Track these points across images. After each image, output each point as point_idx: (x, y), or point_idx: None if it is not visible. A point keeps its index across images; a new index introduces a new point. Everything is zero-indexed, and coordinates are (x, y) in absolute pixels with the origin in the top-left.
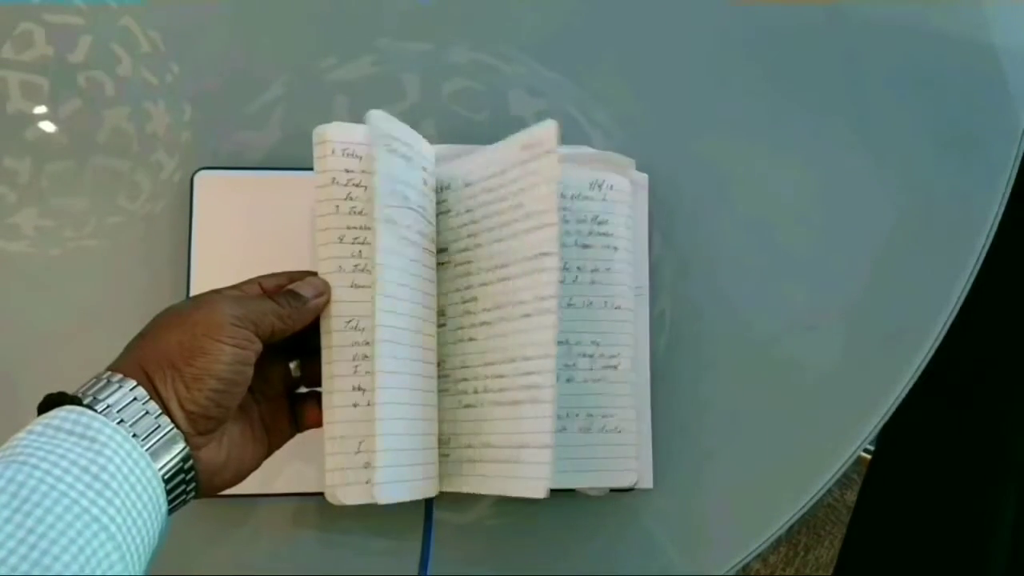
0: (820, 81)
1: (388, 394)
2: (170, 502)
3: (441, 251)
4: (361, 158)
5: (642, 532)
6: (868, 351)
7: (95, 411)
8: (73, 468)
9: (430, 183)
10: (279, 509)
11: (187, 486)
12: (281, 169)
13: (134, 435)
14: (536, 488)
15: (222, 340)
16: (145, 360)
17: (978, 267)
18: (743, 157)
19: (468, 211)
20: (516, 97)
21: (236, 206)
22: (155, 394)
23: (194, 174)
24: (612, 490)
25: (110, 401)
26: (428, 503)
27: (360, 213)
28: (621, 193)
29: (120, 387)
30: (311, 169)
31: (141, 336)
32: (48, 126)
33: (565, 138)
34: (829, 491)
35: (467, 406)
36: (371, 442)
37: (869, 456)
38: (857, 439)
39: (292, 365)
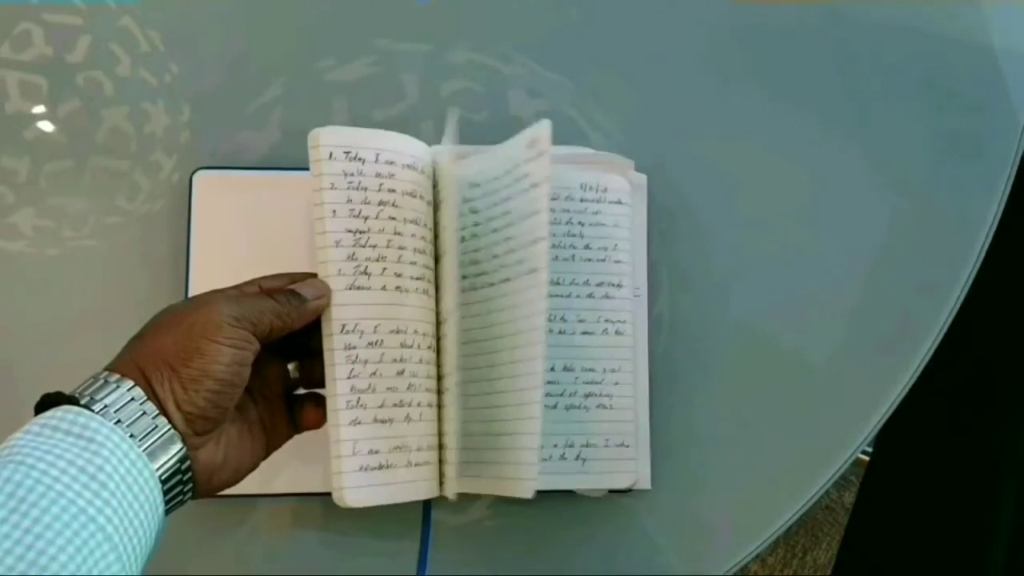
0: (820, 82)
1: (389, 396)
2: (167, 502)
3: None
4: (363, 161)
5: (640, 533)
6: (867, 353)
7: (92, 411)
8: (70, 468)
9: (427, 184)
10: (277, 510)
11: (184, 487)
12: (280, 169)
13: (131, 435)
14: (525, 488)
15: (219, 341)
16: (142, 360)
17: (977, 268)
18: (742, 158)
19: (473, 212)
20: (515, 98)
21: (235, 206)
22: (152, 394)
23: (193, 174)
24: (610, 491)
25: (107, 401)
26: (426, 504)
27: (359, 216)
28: (619, 194)
29: (117, 387)
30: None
31: (139, 336)
32: (47, 126)
33: (564, 139)
34: (827, 493)
35: (467, 408)
36: (374, 444)
37: (867, 458)
38: (855, 441)
39: (291, 366)
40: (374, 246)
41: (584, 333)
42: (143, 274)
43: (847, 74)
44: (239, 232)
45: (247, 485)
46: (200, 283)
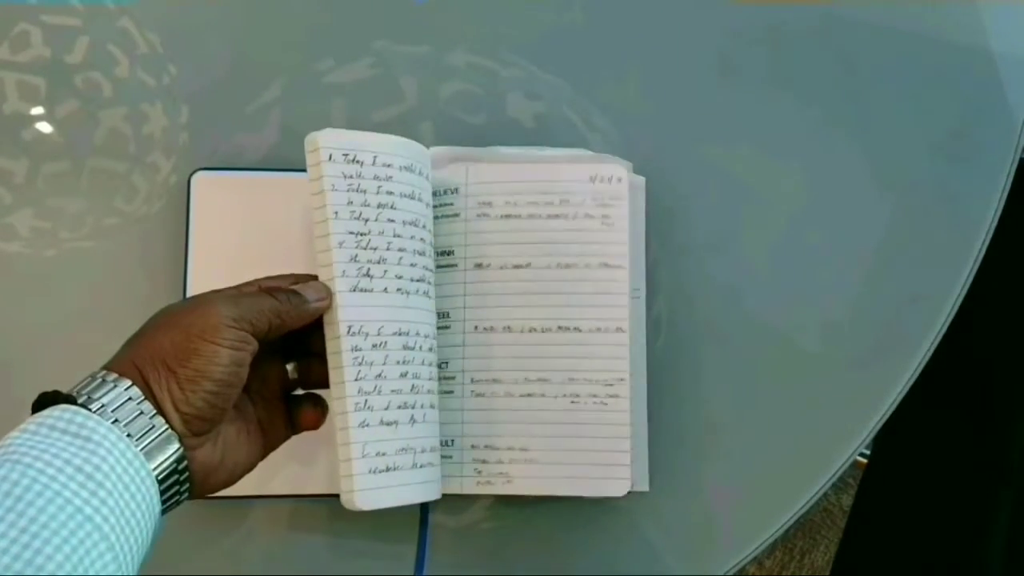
0: (818, 84)
1: (394, 398)
2: (164, 502)
3: (446, 253)
4: (361, 163)
5: (638, 535)
6: (865, 355)
7: (89, 410)
8: (67, 468)
9: (425, 186)
10: (275, 511)
11: (181, 487)
12: (278, 170)
13: (128, 435)
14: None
15: (217, 342)
16: (140, 360)
17: (975, 271)
18: (740, 160)
19: (506, 217)
20: (514, 100)
21: (233, 207)
22: (150, 394)
23: (191, 175)
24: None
25: (104, 400)
26: (423, 505)
27: (359, 218)
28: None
29: (115, 387)
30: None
31: (137, 335)
32: (45, 127)
33: (563, 141)
34: (825, 495)
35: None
36: (382, 446)
37: (865, 460)
38: (853, 443)
39: (289, 367)
40: (375, 248)
41: (580, 330)
42: (141, 275)
43: (845, 75)
44: (237, 233)
45: (244, 486)
46: (198, 284)
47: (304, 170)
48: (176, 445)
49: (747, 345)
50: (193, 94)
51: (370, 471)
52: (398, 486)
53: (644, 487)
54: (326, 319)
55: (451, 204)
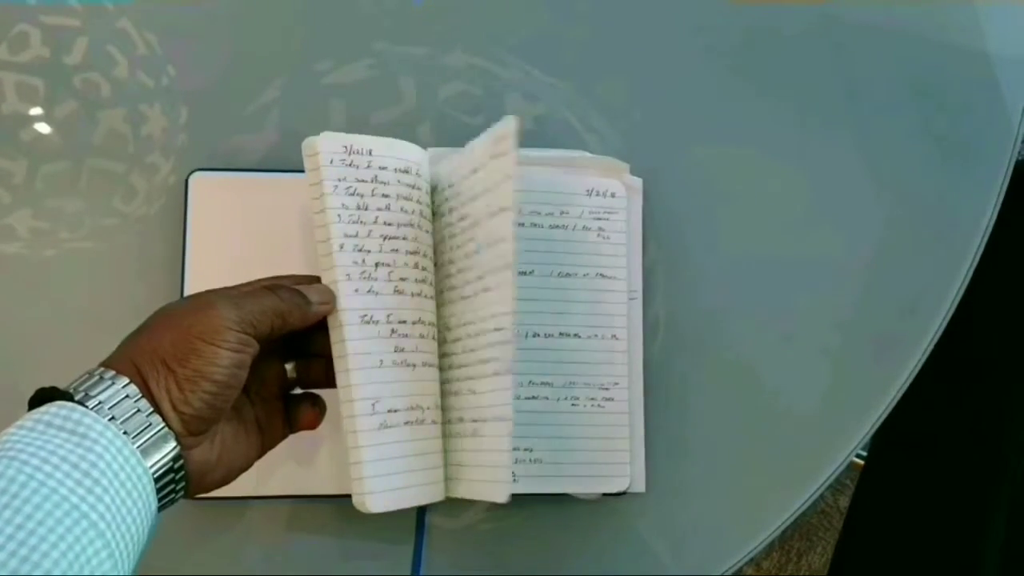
0: (815, 85)
1: (400, 401)
2: (159, 500)
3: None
4: (358, 167)
5: (635, 536)
6: (862, 356)
7: (86, 407)
8: (63, 464)
9: (424, 188)
10: (272, 511)
11: (177, 485)
12: (277, 171)
13: (124, 432)
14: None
15: (217, 344)
16: (139, 358)
17: (971, 274)
18: (738, 162)
19: (451, 211)
20: (512, 101)
21: (231, 208)
22: (148, 393)
23: (189, 176)
24: (605, 494)
25: (102, 398)
26: (420, 507)
27: (359, 221)
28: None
29: (112, 384)
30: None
31: (136, 333)
32: (43, 127)
33: (560, 142)
34: (822, 496)
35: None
36: (391, 449)
37: (862, 462)
38: (850, 444)
39: (288, 367)
40: (377, 250)
41: (579, 336)
42: (139, 276)
43: (843, 77)
44: (236, 234)
45: (242, 486)
46: (196, 285)
47: (303, 171)
48: (172, 443)
49: (744, 346)
50: (192, 95)
51: (380, 473)
52: (408, 487)
53: (641, 488)
54: (331, 322)
55: (436, 204)
